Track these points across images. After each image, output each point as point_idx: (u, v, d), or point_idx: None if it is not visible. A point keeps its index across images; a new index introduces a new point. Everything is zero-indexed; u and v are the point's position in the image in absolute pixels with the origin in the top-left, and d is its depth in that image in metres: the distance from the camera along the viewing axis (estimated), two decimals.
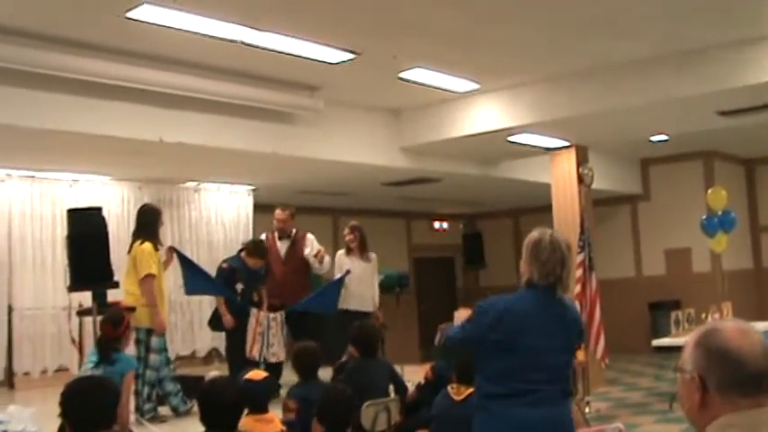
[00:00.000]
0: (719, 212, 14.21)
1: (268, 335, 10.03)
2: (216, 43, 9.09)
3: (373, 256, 11.28)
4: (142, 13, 8.12)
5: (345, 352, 9.24)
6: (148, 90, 10.01)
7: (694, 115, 12.54)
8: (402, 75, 11.10)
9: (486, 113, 12.55)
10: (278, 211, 10.93)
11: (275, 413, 6.73)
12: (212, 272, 10.59)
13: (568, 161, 14.13)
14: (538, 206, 17.60)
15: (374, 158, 13.26)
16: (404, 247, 21.20)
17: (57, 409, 4.37)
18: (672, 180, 19.04)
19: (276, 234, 10.98)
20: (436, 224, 22.44)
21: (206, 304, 13.31)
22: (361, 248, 11.11)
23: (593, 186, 14.27)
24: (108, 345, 7.46)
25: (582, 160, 14.14)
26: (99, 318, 8.43)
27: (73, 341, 11.53)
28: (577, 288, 11.90)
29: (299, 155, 12.18)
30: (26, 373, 12.34)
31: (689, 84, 10.90)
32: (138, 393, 8.91)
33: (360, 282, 10.99)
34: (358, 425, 7.24)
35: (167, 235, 12.62)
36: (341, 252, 11.27)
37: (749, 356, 2.36)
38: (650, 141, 16.04)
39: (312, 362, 7.56)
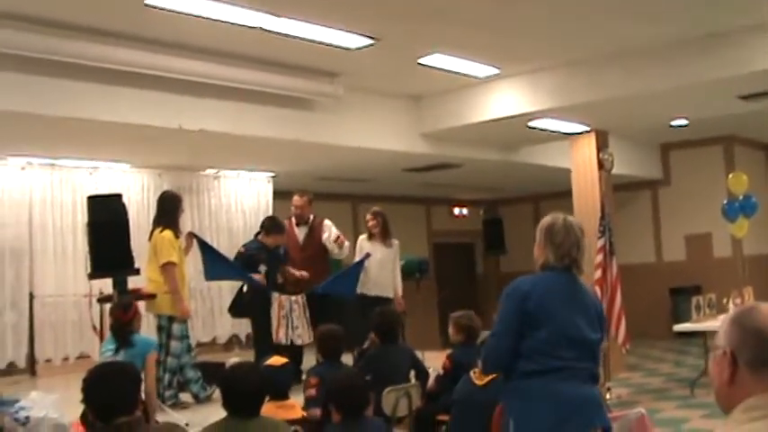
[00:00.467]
0: (740, 197, 14.12)
1: (292, 317, 10.03)
2: (235, 30, 9.08)
3: (395, 242, 11.26)
4: (160, 0, 8.13)
5: (366, 338, 9.25)
6: (168, 77, 10.02)
7: (715, 99, 12.46)
8: (422, 60, 11.06)
9: (506, 98, 12.51)
10: (296, 198, 10.93)
11: (296, 400, 6.75)
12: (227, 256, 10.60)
13: (588, 146, 14.08)
14: (558, 191, 17.53)
15: (394, 144, 13.25)
16: (424, 233, 21.20)
17: (79, 396, 4.38)
18: (692, 165, 18.95)
19: (294, 220, 10.97)
20: (456, 210, 22.40)
21: (226, 291, 13.34)
22: (383, 234, 11.08)
23: (614, 171, 14.21)
24: (123, 329, 7.53)
25: (602, 145, 14.09)
26: None
27: (94, 328, 11.52)
28: (598, 273, 11.85)
29: (319, 141, 12.17)
30: (48, 360, 12.41)
31: (710, 68, 10.82)
32: (159, 380, 8.93)
33: (381, 267, 10.97)
34: (379, 410, 7.25)
35: (187, 222, 12.66)
36: (362, 237, 11.25)
37: None
38: (670, 126, 15.96)
39: (335, 345, 7.58)
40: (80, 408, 6.61)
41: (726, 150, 18.55)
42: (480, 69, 11.75)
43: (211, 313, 14.38)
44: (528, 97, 12.36)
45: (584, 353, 4.58)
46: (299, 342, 10.01)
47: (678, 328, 12.51)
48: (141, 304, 9.73)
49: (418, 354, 8.60)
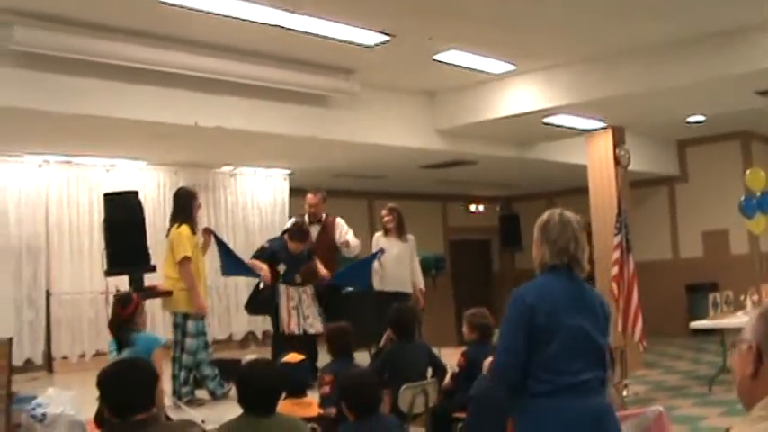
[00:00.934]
0: (758, 194, 14.04)
1: (301, 307, 10.02)
2: (252, 27, 9.08)
3: (410, 237, 11.25)
4: None
5: (382, 334, 9.24)
6: (183, 74, 10.03)
7: (732, 95, 12.42)
8: (437, 57, 11.05)
9: (522, 95, 12.49)
10: (309, 196, 10.93)
11: (313, 397, 6.75)
12: (248, 256, 10.58)
13: (605, 143, 14.04)
14: (573, 188, 17.50)
15: (410, 141, 13.24)
16: (440, 230, 21.17)
17: (95, 393, 4.38)
18: (709, 161, 18.87)
19: (307, 218, 10.96)
20: (472, 207, 22.36)
21: (242, 287, 13.38)
22: (398, 230, 11.09)
23: (630, 168, 14.18)
24: (120, 326, 7.33)
25: (618, 142, 14.05)
26: None
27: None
28: (615, 270, 11.83)
29: (335, 138, 12.19)
30: (64, 358, 12.47)
31: (727, 63, 10.77)
32: (174, 377, 8.95)
33: (398, 263, 10.98)
34: (395, 407, 7.25)
35: (203, 219, 12.66)
36: (378, 234, 11.25)
37: None
38: (687, 123, 15.90)
39: (345, 341, 7.57)
40: (96, 405, 6.67)
41: (743, 146, 18.46)
42: (496, 66, 11.73)
43: (227, 310, 14.41)
44: (543, 93, 12.34)
45: (593, 360, 4.36)
46: (311, 331, 9.95)
47: (695, 325, 12.45)
48: (155, 301, 9.79)
49: (434, 350, 8.56)
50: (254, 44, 10.07)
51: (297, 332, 9.88)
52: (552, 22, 9.98)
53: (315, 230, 10.85)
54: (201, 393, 9.17)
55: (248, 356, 10.46)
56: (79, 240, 12.74)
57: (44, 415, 6.41)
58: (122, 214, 9.74)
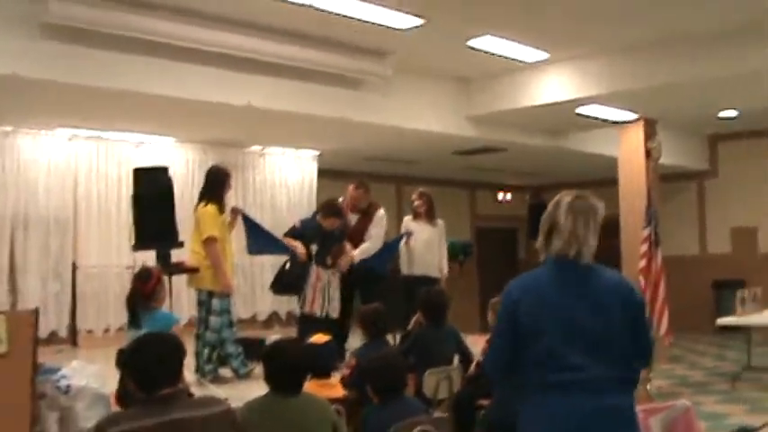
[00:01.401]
0: None
1: (329, 290, 9.97)
2: (286, 7, 9.06)
3: (440, 222, 11.21)
4: None
5: (409, 318, 9.21)
6: (216, 52, 10.01)
7: None
8: (471, 43, 10.99)
9: (554, 84, 12.41)
10: (351, 188, 10.69)
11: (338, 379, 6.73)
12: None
13: (636, 135, 13.95)
14: (601, 179, 17.40)
15: (441, 126, 13.19)
16: (467, 217, 21.11)
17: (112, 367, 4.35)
18: (740, 157, 18.71)
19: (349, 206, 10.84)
20: (500, 195, 22.29)
21: (267, 268, 13.38)
22: (428, 214, 11.03)
23: (660, 161, 14.08)
24: (138, 302, 7.26)
25: (650, 134, 13.95)
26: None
27: None
28: (642, 263, 11.75)
29: (365, 121, 12.16)
30: (89, 331, 12.50)
31: (765, 57, 10.65)
32: (198, 354, 8.95)
33: (427, 247, 10.93)
34: (420, 392, 7.22)
35: (231, 198, 12.66)
36: (408, 218, 11.18)
37: None
38: (718, 118, 15.78)
39: (379, 323, 7.55)
40: (116, 377, 6.67)
41: None
42: (529, 54, 11.67)
43: (252, 290, 14.41)
44: (576, 83, 12.26)
45: (601, 356, 3.95)
46: (334, 315, 9.90)
47: (722, 321, 12.35)
48: (181, 278, 9.78)
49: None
50: (289, 24, 10.05)
51: (319, 314, 9.81)
52: (586, 9, 9.91)
53: (354, 218, 10.72)
54: (225, 372, 9.16)
55: (272, 336, 10.49)
56: (107, 214, 12.77)
57: (68, 387, 6.39)
58: (152, 189, 9.73)
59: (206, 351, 8.94)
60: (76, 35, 8.95)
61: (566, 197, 4.19)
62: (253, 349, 9.55)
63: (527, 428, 4.07)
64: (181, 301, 11.81)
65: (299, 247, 9.86)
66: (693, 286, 17.94)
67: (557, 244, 4.11)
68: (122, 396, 6.09)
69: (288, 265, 10.47)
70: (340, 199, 10.65)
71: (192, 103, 10.48)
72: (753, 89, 12.24)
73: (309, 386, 5.25)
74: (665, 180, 15.69)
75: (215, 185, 9.18)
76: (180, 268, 9.26)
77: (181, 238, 9.80)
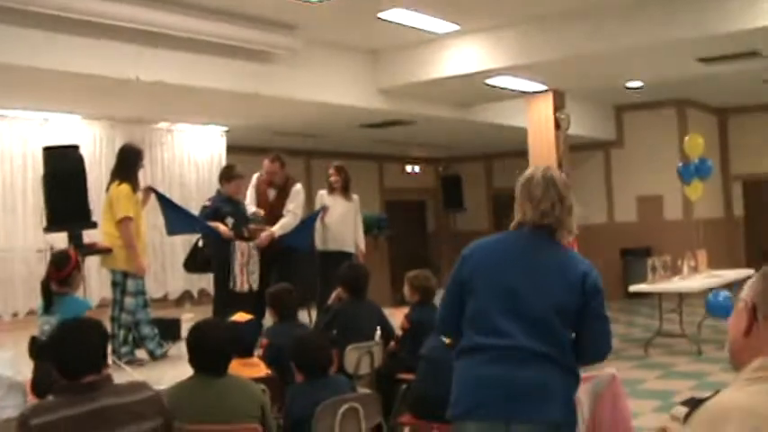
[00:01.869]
0: (696, 160, 14.15)
1: (249, 263, 9.90)
2: None
3: (355, 197, 11.14)
4: None
5: (322, 292, 9.16)
6: (121, 26, 9.75)
7: (674, 61, 12.47)
8: (381, 15, 10.92)
9: (465, 55, 12.39)
10: (266, 162, 10.56)
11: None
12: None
13: (545, 106, 14.02)
14: (511, 151, 17.54)
15: (351, 100, 13.09)
16: (376, 190, 21.06)
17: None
18: (645, 127, 19.03)
19: (254, 179, 10.74)
20: (408, 167, 22.29)
21: (179, 246, 13.25)
22: (344, 189, 10.96)
23: (568, 132, 14.20)
24: (51, 288, 7.10)
25: (559, 105, 14.05)
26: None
27: None
28: None
29: (275, 95, 11.98)
30: None
31: (672, 28, 10.77)
32: (114, 336, 8.77)
33: (342, 222, 10.85)
34: (341, 367, 7.18)
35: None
36: (323, 192, 11.07)
37: None
38: (626, 88, 15.98)
39: (288, 302, 7.48)
40: (30, 365, 6.51)
41: (679, 114, 18.65)
42: (440, 25, 11.63)
43: (163, 269, 14.17)
44: (487, 54, 12.25)
45: (532, 330, 3.90)
46: (255, 287, 9.84)
47: (634, 288, 12.55)
48: (94, 259, 9.59)
49: None
50: None
51: (247, 290, 9.79)
52: None
53: (272, 193, 10.63)
54: (140, 354, 9.01)
55: (186, 315, 10.41)
56: (12, 196, 12.39)
57: None
58: (63, 168, 9.48)
59: (121, 333, 8.76)
60: None
61: (539, 169, 4.22)
62: (168, 330, 9.44)
63: (453, 389, 4.04)
64: (91, 282, 11.59)
65: (220, 226, 9.77)
66: (602, 254, 18.06)
67: (533, 213, 4.11)
68: (38, 384, 5.95)
69: (200, 243, 10.38)
70: (255, 174, 10.56)
71: (96, 78, 10.19)
72: (660, 60, 12.40)
73: (232, 365, 5.14)
74: (572, 150, 15.84)
75: (128, 164, 8.98)
76: (93, 249, 9.07)
77: (93, 218, 9.59)
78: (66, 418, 3.91)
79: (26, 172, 12.42)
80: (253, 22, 10.80)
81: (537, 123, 14.12)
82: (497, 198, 21.88)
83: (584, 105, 17.11)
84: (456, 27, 11.75)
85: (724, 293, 12.36)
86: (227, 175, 10.25)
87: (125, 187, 8.76)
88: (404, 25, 11.36)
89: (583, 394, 5.41)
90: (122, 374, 7.72)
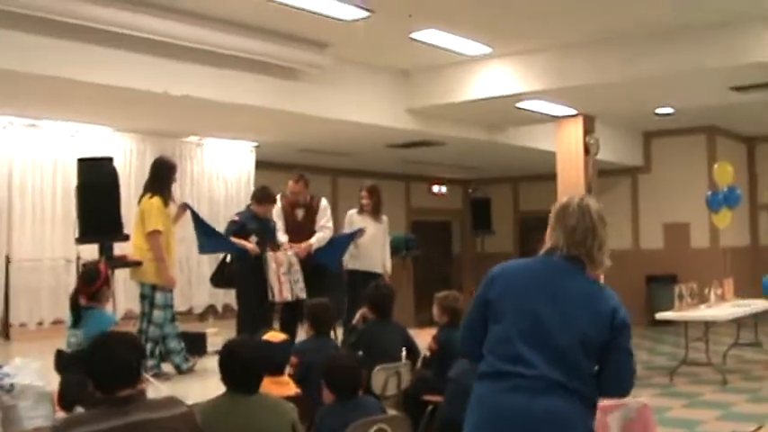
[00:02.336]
0: (724, 188, 14.09)
1: (291, 272, 9.93)
2: None
3: (385, 218, 11.14)
4: None
5: (349, 312, 9.16)
6: (154, 40, 9.80)
7: (706, 89, 12.45)
8: (413, 35, 10.93)
9: (496, 78, 12.39)
10: (291, 183, 10.50)
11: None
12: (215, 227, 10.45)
13: (575, 130, 13.99)
14: (538, 174, 17.55)
15: (380, 119, 13.09)
16: (402, 210, 21.05)
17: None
18: (673, 154, 18.98)
19: (280, 201, 10.74)
20: (435, 188, 22.28)
21: (205, 260, 13.28)
22: (375, 210, 10.97)
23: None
24: (79, 301, 7.14)
25: (588, 130, 14.01)
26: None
27: None
28: None
29: (304, 112, 11.99)
30: (22, 325, 12.22)
31: (706, 56, 10.77)
32: None
33: (372, 242, 10.83)
34: (368, 388, 7.16)
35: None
36: (353, 211, 11.05)
37: None
38: (655, 114, 15.94)
39: (326, 318, 7.47)
40: (57, 376, 6.52)
41: (708, 141, 18.59)
42: (472, 47, 11.64)
43: (189, 283, 14.21)
44: (518, 78, 12.26)
45: (551, 360, 3.79)
46: (303, 295, 9.88)
47: (661, 316, 12.44)
48: (121, 271, 9.62)
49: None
50: (228, 13, 9.91)
51: (290, 299, 9.86)
52: (532, 5, 9.91)
53: (300, 213, 10.63)
54: (167, 368, 9.01)
55: (210, 330, 10.41)
56: (42, 205, 12.46)
57: (12, 386, 6.21)
58: (96, 180, 9.53)
59: (149, 346, 8.76)
60: (12, 20, 8.68)
61: (576, 198, 4.14)
62: (194, 344, 9.46)
63: (468, 413, 3.97)
64: (117, 295, 11.60)
65: (247, 244, 9.84)
66: (627, 280, 18.02)
67: (566, 241, 4.03)
68: (64, 397, 5.96)
69: (228, 259, 10.41)
70: (279, 195, 10.56)
71: (128, 91, 10.23)
72: (692, 87, 12.38)
73: (263, 384, 5.13)
74: (599, 175, 15.84)
75: (161, 177, 9.01)
76: (123, 262, 9.09)
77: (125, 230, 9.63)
78: (100, 431, 3.91)
79: (56, 182, 12.51)
80: (284, 39, 10.82)
81: (566, 147, 14.09)
82: (524, 221, 21.87)
83: (613, 130, 17.09)
84: (488, 50, 11.75)
85: None
86: (260, 196, 10.27)
87: (156, 200, 8.79)
88: (436, 46, 11.36)
89: (612, 422, 5.38)
90: (150, 388, 7.73)
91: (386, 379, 7.38)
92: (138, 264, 8.81)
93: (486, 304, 4.02)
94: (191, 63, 10.48)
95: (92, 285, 7.17)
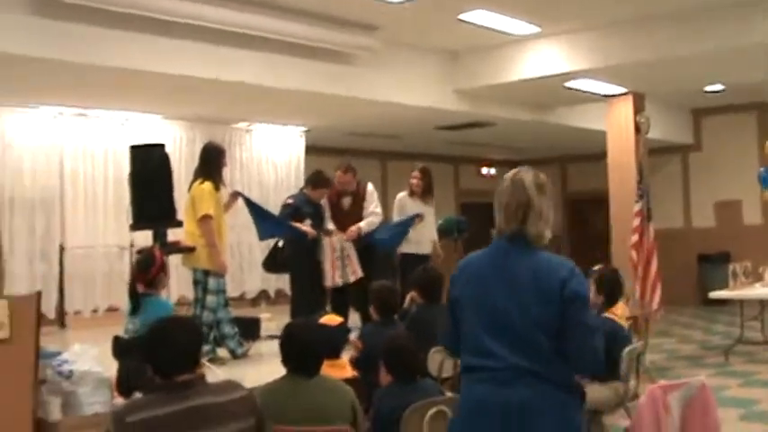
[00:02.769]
0: None
1: (343, 256, 9.97)
2: None
3: (433, 200, 11.15)
4: None
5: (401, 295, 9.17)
6: (205, 27, 9.86)
7: (756, 65, 12.25)
8: (462, 16, 10.89)
9: (544, 58, 12.32)
10: (339, 174, 10.45)
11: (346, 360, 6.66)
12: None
13: (625, 109, 13.85)
14: (586, 154, 17.41)
15: (429, 101, 13.07)
16: (451, 192, 21.03)
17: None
18: (724, 131, 18.76)
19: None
20: (484, 170, 22.22)
21: (256, 245, 13.30)
22: (425, 191, 10.96)
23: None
24: (137, 289, 7.14)
25: (639, 108, 13.86)
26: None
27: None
28: (635, 238, 11.71)
29: (353, 95, 12.03)
30: (77, 312, 12.35)
31: (756, 32, 10.62)
32: None
33: (422, 225, 10.85)
34: (424, 371, 7.14)
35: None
36: (403, 194, 11.07)
37: None
38: (705, 92, 15.77)
39: (391, 301, 7.44)
40: (113, 362, 6.56)
41: (759, 118, 18.34)
42: (521, 27, 11.59)
43: (240, 268, 14.29)
44: (567, 57, 12.18)
45: (514, 345, 3.75)
46: (352, 278, 10.00)
47: (715, 295, 12.31)
48: (174, 257, 9.66)
49: None
50: None
51: (340, 284, 9.96)
52: None
53: (347, 201, 10.62)
54: (221, 352, 9.05)
55: (264, 315, 10.45)
56: (94, 193, 12.62)
57: (71, 372, 6.28)
58: (149, 167, 9.58)
59: (203, 331, 8.81)
60: (58, 8, 8.77)
61: (510, 173, 4.05)
62: (248, 329, 9.48)
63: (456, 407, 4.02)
64: (170, 280, 11.68)
65: (303, 227, 9.87)
66: (679, 259, 17.91)
67: (499, 219, 3.97)
68: (122, 383, 5.99)
69: (280, 243, 10.43)
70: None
71: (179, 78, 10.33)
72: (742, 63, 12.23)
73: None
74: (650, 154, 15.70)
75: (210, 163, 9.04)
76: (176, 248, 9.12)
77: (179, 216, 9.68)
78: (161, 416, 3.91)
79: (107, 170, 12.65)
80: (334, 23, 10.83)
81: (617, 127, 13.96)
82: (573, 201, 21.76)
83: (661, 108, 16.90)
84: (537, 29, 11.69)
85: None
86: (315, 180, 10.30)
87: (208, 185, 8.82)
88: (484, 27, 11.32)
89: (673, 401, 5.33)
90: (207, 373, 7.77)
91: (442, 360, 7.35)
92: (191, 249, 8.84)
93: (454, 302, 4.03)
94: (242, 49, 10.54)
95: (148, 272, 7.18)
